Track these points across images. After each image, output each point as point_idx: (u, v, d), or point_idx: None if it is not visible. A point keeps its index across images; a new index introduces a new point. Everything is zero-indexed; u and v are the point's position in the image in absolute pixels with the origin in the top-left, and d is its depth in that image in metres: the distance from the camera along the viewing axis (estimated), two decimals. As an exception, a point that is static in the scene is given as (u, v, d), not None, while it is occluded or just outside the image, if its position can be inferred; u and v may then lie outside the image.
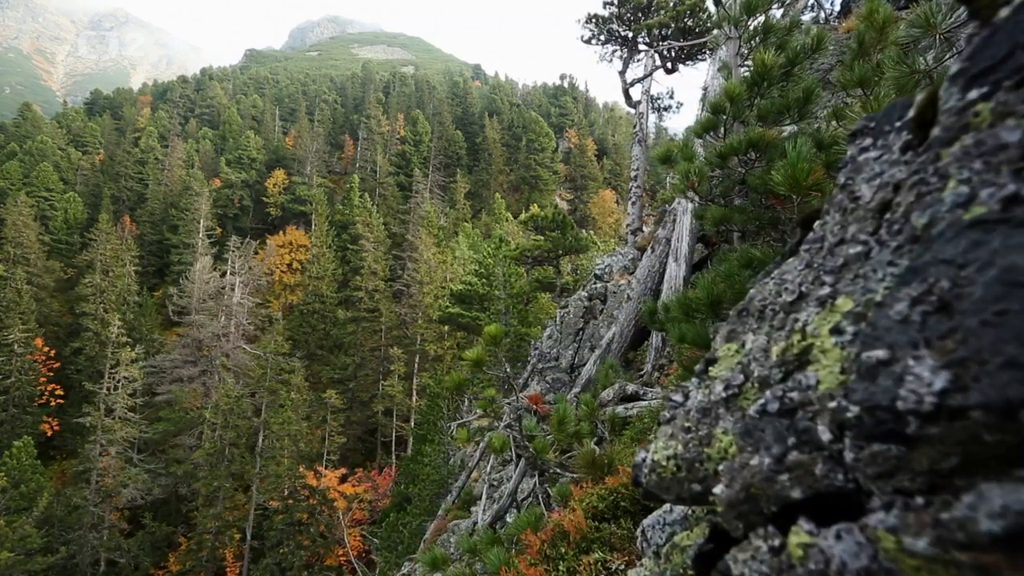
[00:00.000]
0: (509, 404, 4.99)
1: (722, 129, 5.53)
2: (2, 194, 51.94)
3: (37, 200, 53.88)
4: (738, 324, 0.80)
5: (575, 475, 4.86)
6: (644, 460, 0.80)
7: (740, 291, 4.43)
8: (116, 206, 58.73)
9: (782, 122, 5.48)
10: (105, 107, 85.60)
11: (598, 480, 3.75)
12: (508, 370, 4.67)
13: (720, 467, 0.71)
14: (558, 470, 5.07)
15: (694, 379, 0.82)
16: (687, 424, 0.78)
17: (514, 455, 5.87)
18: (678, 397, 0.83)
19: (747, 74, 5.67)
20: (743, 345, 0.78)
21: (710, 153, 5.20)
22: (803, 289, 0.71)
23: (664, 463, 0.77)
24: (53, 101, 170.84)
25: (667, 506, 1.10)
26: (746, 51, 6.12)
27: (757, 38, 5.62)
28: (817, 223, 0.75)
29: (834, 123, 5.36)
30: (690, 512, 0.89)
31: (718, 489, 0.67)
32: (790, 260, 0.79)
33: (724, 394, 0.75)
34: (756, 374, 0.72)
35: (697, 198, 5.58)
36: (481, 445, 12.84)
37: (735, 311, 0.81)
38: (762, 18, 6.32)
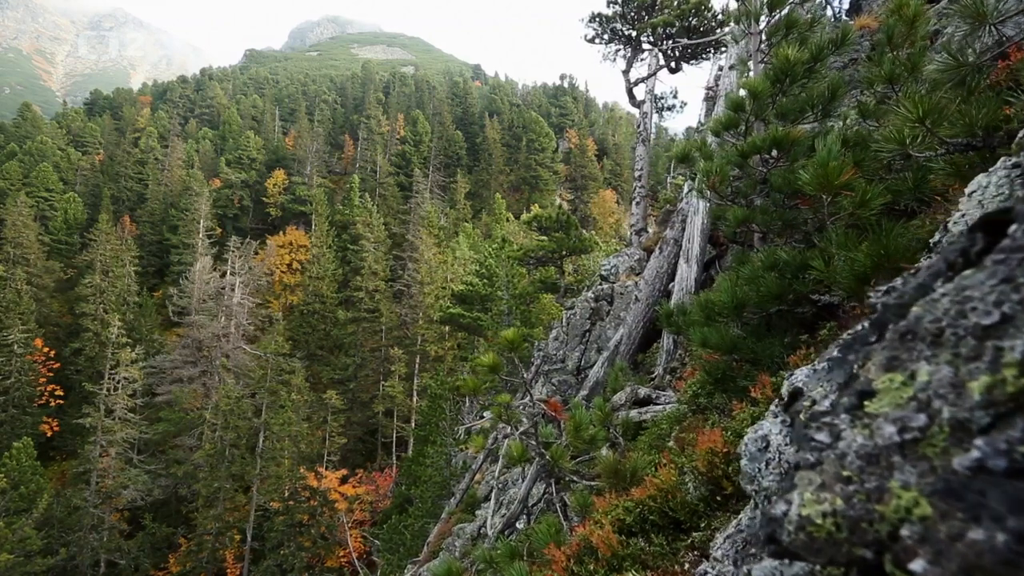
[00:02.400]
0: (525, 409, 4.85)
1: (743, 127, 5.39)
2: (2, 194, 51.76)
3: (37, 200, 53.72)
4: (902, 349, 0.66)
5: (591, 483, 4.72)
6: (786, 514, 0.66)
7: (766, 294, 4.28)
8: (116, 206, 58.54)
9: (803, 120, 5.34)
10: (105, 107, 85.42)
11: (622, 491, 3.60)
12: (525, 376, 4.54)
13: (905, 532, 0.57)
14: (573, 477, 4.93)
15: (844, 415, 0.68)
16: (845, 473, 0.63)
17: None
18: (823, 436, 0.69)
19: (767, 70, 5.52)
20: (913, 376, 0.63)
21: (731, 152, 5.06)
22: (1006, 310, 0.57)
23: (819, 520, 0.63)
24: (53, 101, 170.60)
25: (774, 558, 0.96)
26: (766, 47, 5.98)
27: (779, 33, 5.48)
28: (1014, 227, 0.61)
29: (851, 119, 5.22)
30: (818, 568, 0.75)
31: (918, 566, 0.53)
32: (968, 273, 0.65)
33: (898, 438, 0.61)
34: (945, 415, 0.58)
35: (716, 198, 5.44)
36: (485, 447, 12.69)
37: (895, 332, 0.67)
38: (781, 14, 6.19)
